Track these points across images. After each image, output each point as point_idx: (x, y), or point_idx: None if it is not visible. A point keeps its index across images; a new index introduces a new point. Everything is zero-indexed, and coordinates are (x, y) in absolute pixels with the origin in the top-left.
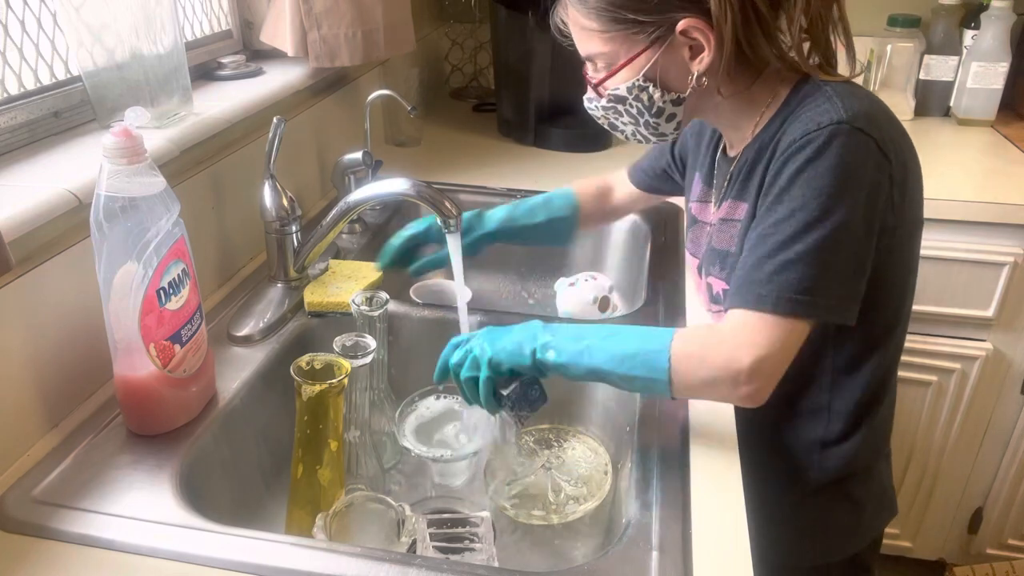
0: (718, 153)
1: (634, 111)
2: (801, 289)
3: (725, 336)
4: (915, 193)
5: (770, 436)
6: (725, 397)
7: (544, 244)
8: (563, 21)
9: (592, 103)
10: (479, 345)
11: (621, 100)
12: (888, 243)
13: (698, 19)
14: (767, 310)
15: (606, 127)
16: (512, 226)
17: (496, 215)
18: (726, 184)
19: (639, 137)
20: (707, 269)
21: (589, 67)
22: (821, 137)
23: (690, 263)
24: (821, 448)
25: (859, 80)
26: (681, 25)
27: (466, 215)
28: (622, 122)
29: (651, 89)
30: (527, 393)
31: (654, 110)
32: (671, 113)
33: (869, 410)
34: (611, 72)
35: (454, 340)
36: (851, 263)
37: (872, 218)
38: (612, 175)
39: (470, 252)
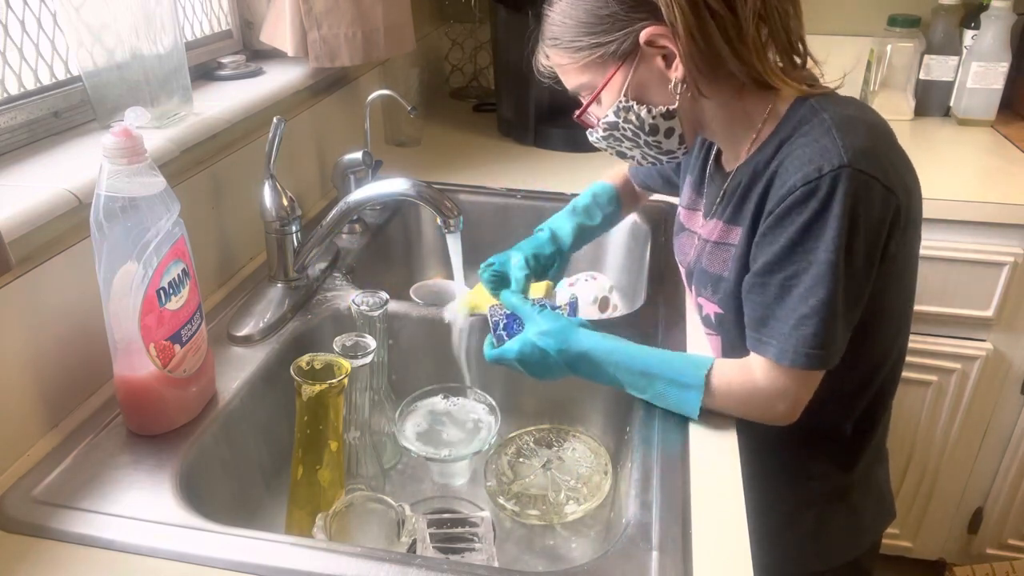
0: (710, 161)
1: (629, 133)
2: (816, 344)
3: (759, 387)
4: (917, 215)
5: (769, 449)
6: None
7: (596, 237)
8: (543, 65)
9: (593, 136)
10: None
11: (613, 126)
12: (891, 269)
13: (659, 26)
14: (789, 364)
15: (616, 156)
16: (581, 235)
17: (565, 230)
18: (718, 201)
19: (649, 159)
20: (698, 289)
21: (581, 100)
22: (824, 185)
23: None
24: (820, 460)
25: (856, 83)
26: (644, 36)
27: (543, 242)
28: (626, 147)
29: (636, 107)
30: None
31: (647, 128)
32: (668, 128)
33: (869, 424)
34: (590, 100)
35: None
36: (853, 305)
37: (874, 254)
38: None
39: (560, 274)
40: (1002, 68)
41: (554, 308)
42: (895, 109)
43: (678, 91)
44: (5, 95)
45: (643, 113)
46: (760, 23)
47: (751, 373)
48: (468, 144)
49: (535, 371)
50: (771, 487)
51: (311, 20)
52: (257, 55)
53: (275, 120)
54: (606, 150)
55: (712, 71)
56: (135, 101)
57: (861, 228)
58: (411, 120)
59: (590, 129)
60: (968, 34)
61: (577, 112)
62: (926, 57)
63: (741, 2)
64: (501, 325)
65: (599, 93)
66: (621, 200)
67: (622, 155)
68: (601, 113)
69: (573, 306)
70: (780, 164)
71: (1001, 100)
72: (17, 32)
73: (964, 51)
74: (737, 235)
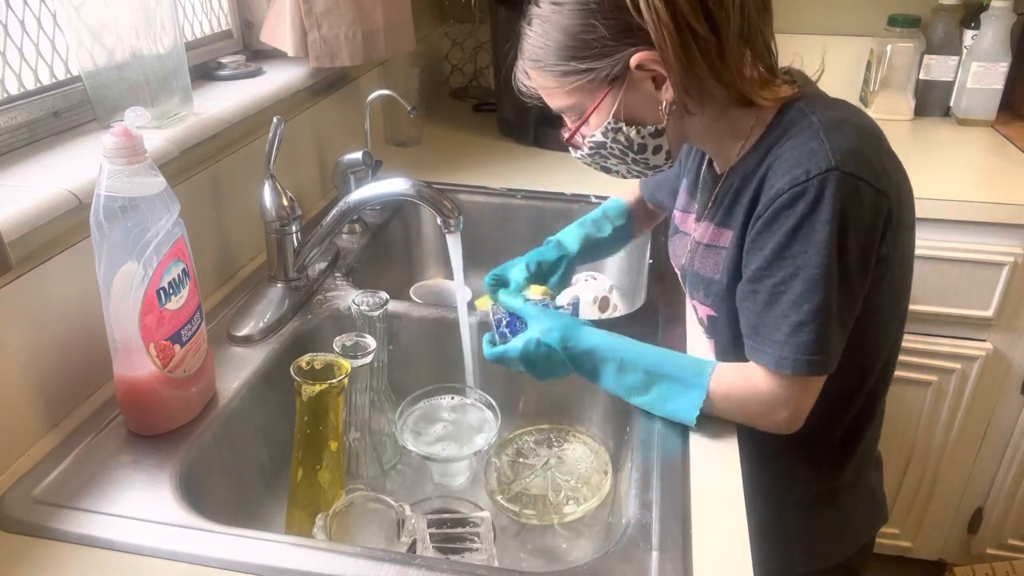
0: (704, 163)
1: (616, 151)
2: (815, 350)
3: (761, 392)
4: (909, 217)
5: (757, 451)
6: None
7: (610, 254)
8: (524, 84)
9: (577, 153)
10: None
11: (601, 145)
12: (881, 272)
13: (648, 51)
14: (790, 371)
15: (600, 171)
16: (589, 243)
17: (571, 237)
18: (710, 204)
19: (634, 174)
20: (691, 292)
21: (566, 120)
22: (812, 189)
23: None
24: (808, 464)
25: (856, 83)
26: (634, 60)
27: (548, 249)
28: (612, 164)
29: (625, 129)
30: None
31: (635, 147)
32: (656, 145)
33: (858, 431)
34: (579, 123)
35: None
36: (848, 309)
37: (868, 258)
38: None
39: (564, 281)
40: (1002, 68)
41: (557, 308)
42: (895, 109)
43: (667, 111)
44: (5, 95)
45: (632, 134)
46: (743, 44)
47: (752, 378)
48: (468, 144)
49: (539, 369)
50: (758, 488)
51: (311, 20)
52: (257, 55)
53: (275, 120)
54: (590, 166)
55: (699, 91)
56: (135, 101)
57: (852, 232)
58: (411, 120)
59: (575, 148)
60: (968, 34)
61: (567, 136)
62: (926, 57)
63: (725, 25)
64: (504, 323)
65: (588, 116)
66: (633, 215)
67: (607, 170)
68: (588, 133)
69: (575, 307)
70: (769, 167)
71: (1001, 100)
72: (17, 32)
73: (964, 51)
74: (728, 238)
